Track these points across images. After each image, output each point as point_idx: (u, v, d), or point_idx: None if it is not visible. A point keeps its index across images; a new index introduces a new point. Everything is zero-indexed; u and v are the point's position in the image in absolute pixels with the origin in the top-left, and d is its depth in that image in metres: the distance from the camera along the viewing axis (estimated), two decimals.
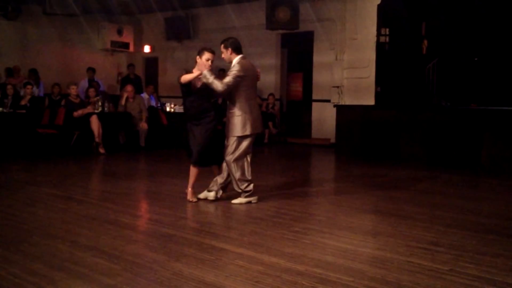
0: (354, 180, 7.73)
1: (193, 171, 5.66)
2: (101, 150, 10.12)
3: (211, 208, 5.48)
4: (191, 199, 5.71)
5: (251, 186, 5.63)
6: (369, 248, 4.18)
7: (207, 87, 5.49)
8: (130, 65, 14.68)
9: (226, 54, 5.57)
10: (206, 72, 5.40)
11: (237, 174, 5.55)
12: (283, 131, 13.61)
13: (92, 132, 10.06)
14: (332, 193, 6.92)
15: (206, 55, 5.53)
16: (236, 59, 5.55)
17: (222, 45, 5.59)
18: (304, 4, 12.18)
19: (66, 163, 9.19)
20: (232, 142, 5.57)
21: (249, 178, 5.62)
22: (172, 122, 11.40)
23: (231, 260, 3.73)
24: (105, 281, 3.28)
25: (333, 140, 11.54)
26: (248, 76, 5.54)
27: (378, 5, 11.42)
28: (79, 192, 6.33)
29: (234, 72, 5.45)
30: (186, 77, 5.48)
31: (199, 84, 5.52)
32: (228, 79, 5.43)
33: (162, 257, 3.78)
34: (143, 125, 10.94)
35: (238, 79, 5.44)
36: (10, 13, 13.25)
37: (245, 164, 5.62)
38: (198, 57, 5.59)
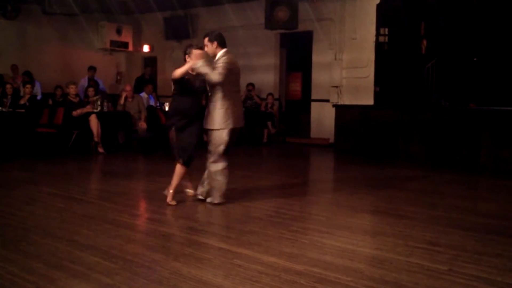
0: (353, 179, 7.73)
1: (181, 171, 5.54)
2: (100, 150, 10.12)
3: (209, 207, 5.48)
4: (171, 202, 5.52)
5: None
6: (368, 248, 4.18)
7: (204, 85, 5.46)
8: (147, 66, 14.81)
9: (211, 47, 5.45)
10: (200, 62, 5.30)
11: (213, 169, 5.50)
12: (282, 131, 13.61)
13: (91, 132, 10.06)
14: (331, 192, 6.93)
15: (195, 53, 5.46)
16: (221, 52, 5.45)
17: (206, 38, 5.47)
18: (303, 4, 12.17)
19: (65, 162, 9.18)
20: (211, 136, 5.46)
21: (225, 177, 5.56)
22: None
23: (230, 260, 3.73)
24: (104, 280, 3.28)
25: (332, 140, 11.55)
26: (233, 70, 5.44)
27: (377, 5, 11.43)
28: (78, 191, 6.32)
29: (223, 63, 5.33)
30: (178, 71, 5.35)
31: (197, 83, 5.49)
32: (220, 69, 5.29)
33: (160, 256, 3.78)
34: (142, 125, 10.93)
35: (227, 71, 5.33)
36: (9, 13, 13.23)
37: (224, 161, 5.50)
38: (187, 56, 5.49)
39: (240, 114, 5.55)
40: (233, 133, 5.48)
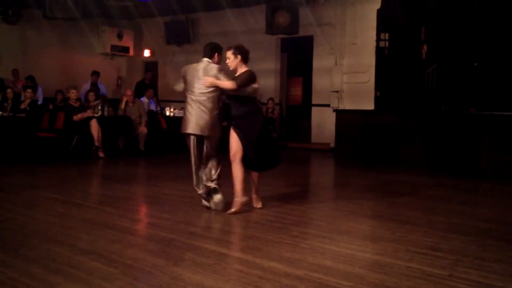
0: (353, 184, 7.73)
1: (254, 175, 5.73)
2: (101, 154, 10.11)
3: (210, 212, 5.47)
4: (257, 205, 5.69)
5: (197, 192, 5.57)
6: (369, 253, 4.17)
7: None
8: (148, 71, 14.93)
9: None
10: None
11: None
12: (283, 136, 13.61)
13: (92, 136, 10.06)
14: (331, 198, 6.93)
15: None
16: None
17: None
18: (304, 9, 12.20)
19: (66, 167, 9.18)
20: None
21: (194, 183, 5.54)
22: (171, 126, 11.39)
23: (230, 265, 3.73)
24: (104, 285, 3.28)
25: (332, 145, 11.54)
26: (186, 77, 5.53)
27: (378, 10, 11.45)
28: (78, 196, 6.32)
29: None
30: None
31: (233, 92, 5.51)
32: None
33: (161, 261, 3.77)
34: (143, 129, 10.94)
35: (180, 78, 5.63)
36: (11, 17, 13.28)
37: (192, 165, 5.50)
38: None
39: (192, 121, 5.35)
40: (186, 137, 5.49)
